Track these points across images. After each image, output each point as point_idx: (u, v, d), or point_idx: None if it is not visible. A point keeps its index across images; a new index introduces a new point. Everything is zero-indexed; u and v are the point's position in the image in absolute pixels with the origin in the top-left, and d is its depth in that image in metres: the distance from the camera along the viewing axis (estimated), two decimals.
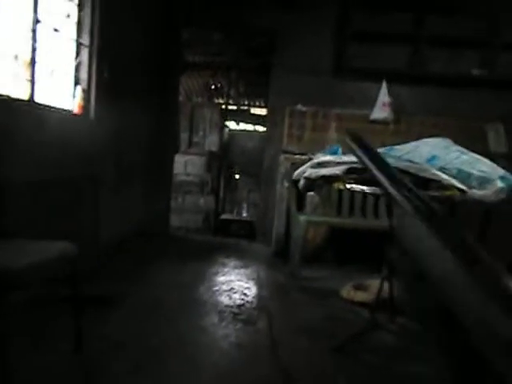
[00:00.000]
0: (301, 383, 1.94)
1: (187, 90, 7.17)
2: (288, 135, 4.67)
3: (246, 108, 8.12)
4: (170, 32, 4.83)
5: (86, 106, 3.31)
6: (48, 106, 2.82)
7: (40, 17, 2.65)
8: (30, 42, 2.59)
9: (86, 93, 3.30)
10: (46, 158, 2.69)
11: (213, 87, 7.40)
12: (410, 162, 1.64)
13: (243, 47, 5.76)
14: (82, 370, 1.87)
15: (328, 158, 1.79)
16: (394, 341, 2.37)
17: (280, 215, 4.14)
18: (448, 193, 1.73)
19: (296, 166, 4.00)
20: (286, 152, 4.41)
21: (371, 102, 4.54)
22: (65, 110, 3.05)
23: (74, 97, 3.22)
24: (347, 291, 2.93)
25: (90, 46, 3.25)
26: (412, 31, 4.51)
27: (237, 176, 8.11)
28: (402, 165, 1.46)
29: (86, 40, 3.22)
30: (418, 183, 1.43)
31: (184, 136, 7.45)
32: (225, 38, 5.58)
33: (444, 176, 1.74)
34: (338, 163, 1.71)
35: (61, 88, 3.06)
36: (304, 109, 4.65)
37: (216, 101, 7.76)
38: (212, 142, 7.45)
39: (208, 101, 7.71)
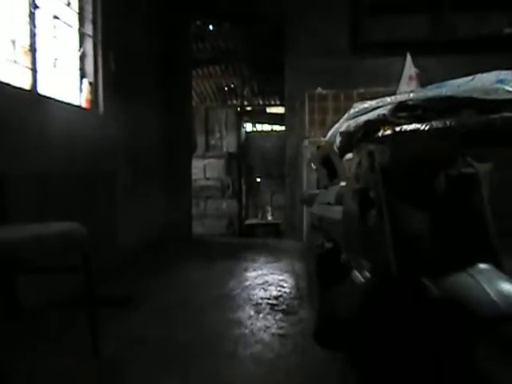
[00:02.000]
0: (360, 370, 1.60)
1: (200, 93, 7.00)
2: (309, 121, 4.37)
3: (261, 107, 7.88)
4: (176, 25, 4.66)
5: (94, 101, 3.11)
6: (52, 99, 2.62)
7: (37, 1, 2.47)
8: (29, 26, 2.41)
9: (94, 86, 3.11)
10: (52, 152, 2.48)
11: (226, 88, 7.20)
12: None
13: (253, 37, 5.54)
14: (101, 374, 1.59)
15: (367, 103, 1.47)
16: None
17: None
18: None
19: (322, 149, 3.71)
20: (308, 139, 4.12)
21: (396, 78, 4.21)
22: (71, 104, 2.85)
23: (81, 90, 3.03)
24: None
25: (94, 36, 3.07)
26: None
27: (258, 179, 7.83)
28: (460, 91, 1.13)
29: (89, 30, 3.04)
30: (483, 110, 1.11)
31: (200, 140, 7.25)
32: (232, 27, 5.37)
33: None
34: (382, 106, 1.40)
35: (66, 80, 2.87)
36: (324, 92, 4.36)
37: (230, 102, 7.55)
38: (230, 144, 7.22)
39: (222, 103, 7.50)
